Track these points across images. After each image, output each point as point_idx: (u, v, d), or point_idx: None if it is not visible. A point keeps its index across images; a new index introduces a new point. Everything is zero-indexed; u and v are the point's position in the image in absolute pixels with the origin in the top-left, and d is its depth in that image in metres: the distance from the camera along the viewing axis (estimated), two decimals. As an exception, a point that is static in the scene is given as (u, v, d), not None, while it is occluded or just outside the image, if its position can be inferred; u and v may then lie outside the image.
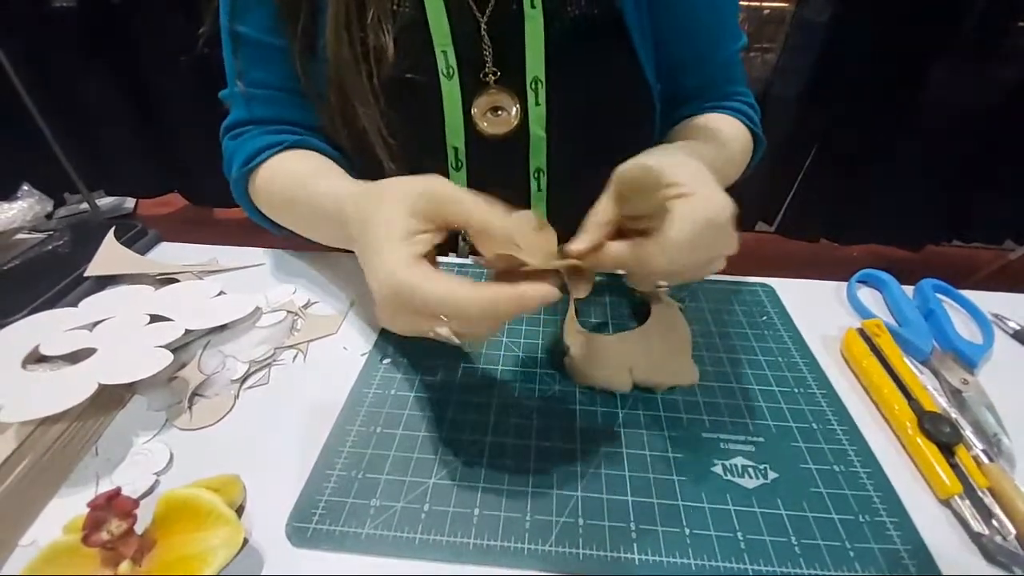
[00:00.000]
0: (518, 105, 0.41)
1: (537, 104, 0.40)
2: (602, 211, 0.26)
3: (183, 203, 1.76)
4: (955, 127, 1.29)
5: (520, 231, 0.25)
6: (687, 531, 0.26)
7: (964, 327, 0.41)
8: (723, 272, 0.45)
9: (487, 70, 0.40)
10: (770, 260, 1.60)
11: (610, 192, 0.26)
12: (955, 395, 0.34)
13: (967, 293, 0.43)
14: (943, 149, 1.32)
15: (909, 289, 0.43)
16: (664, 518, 0.27)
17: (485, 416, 0.32)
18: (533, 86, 0.40)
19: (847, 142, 1.41)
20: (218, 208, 1.76)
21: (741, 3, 1.44)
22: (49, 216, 0.47)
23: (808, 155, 1.49)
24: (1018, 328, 0.40)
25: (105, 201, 1.77)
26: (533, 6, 0.37)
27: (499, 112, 0.41)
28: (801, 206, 1.56)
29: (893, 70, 1.26)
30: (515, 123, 0.41)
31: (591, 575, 0.24)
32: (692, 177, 0.26)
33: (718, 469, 0.29)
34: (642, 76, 0.41)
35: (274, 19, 0.38)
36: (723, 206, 0.26)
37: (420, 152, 0.40)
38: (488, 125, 0.41)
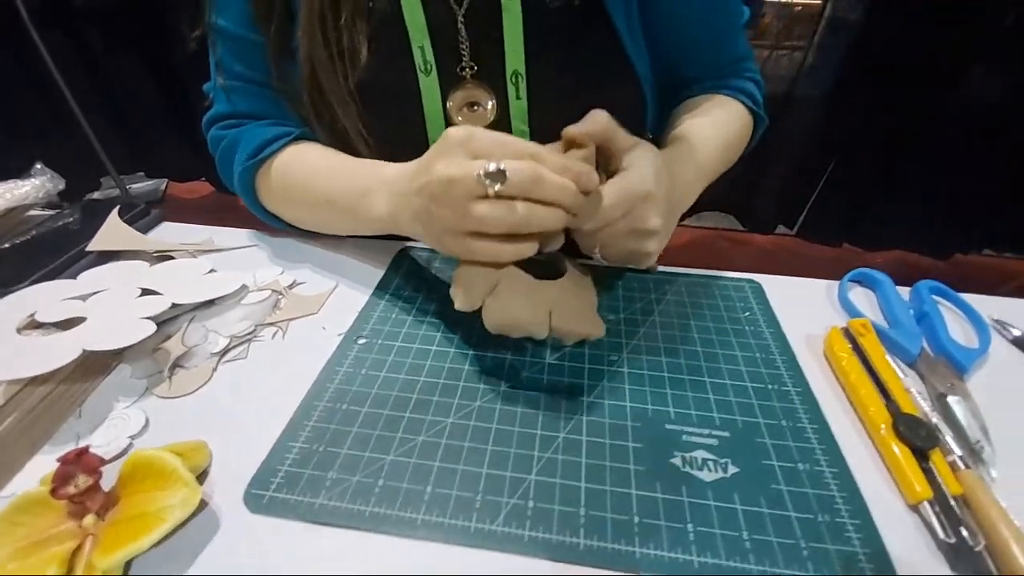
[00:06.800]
0: (494, 100, 0.41)
1: (518, 98, 0.40)
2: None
3: (210, 190, 1.83)
4: (987, 131, 1.23)
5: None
6: (636, 519, 0.26)
7: (961, 331, 0.39)
8: (712, 267, 0.44)
9: (464, 64, 0.40)
10: (788, 264, 1.56)
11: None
12: (939, 399, 0.33)
13: (967, 296, 0.41)
14: (974, 154, 1.26)
15: (906, 291, 0.42)
16: (615, 506, 0.26)
17: (450, 398, 0.32)
18: (513, 80, 0.39)
19: (874, 144, 1.36)
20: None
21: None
22: (61, 195, 0.49)
23: (832, 156, 1.44)
24: (1019, 334, 0.38)
25: (139, 186, 1.85)
26: None
27: (475, 107, 0.41)
28: (824, 209, 1.51)
29: (924, 71, 1.21)
30: (491, 118, 0.41)
31: (533, 556, 0.25)
32: (634, 160, 0.32)
33: (677, 461, 0.29)
34: (629, 66, 0.41)
35: (252, 14, 0.39)
36: (643, 181, 0.32)
37: (401, 148, 0.40)
38: (464, 120, 0.41)
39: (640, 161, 0.32)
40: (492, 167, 0.27)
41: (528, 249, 0.30)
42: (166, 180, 1.88)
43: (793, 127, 1.42)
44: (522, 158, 0.28)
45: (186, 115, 1.62)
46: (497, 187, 0.27)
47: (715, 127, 0.44)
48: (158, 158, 1.76)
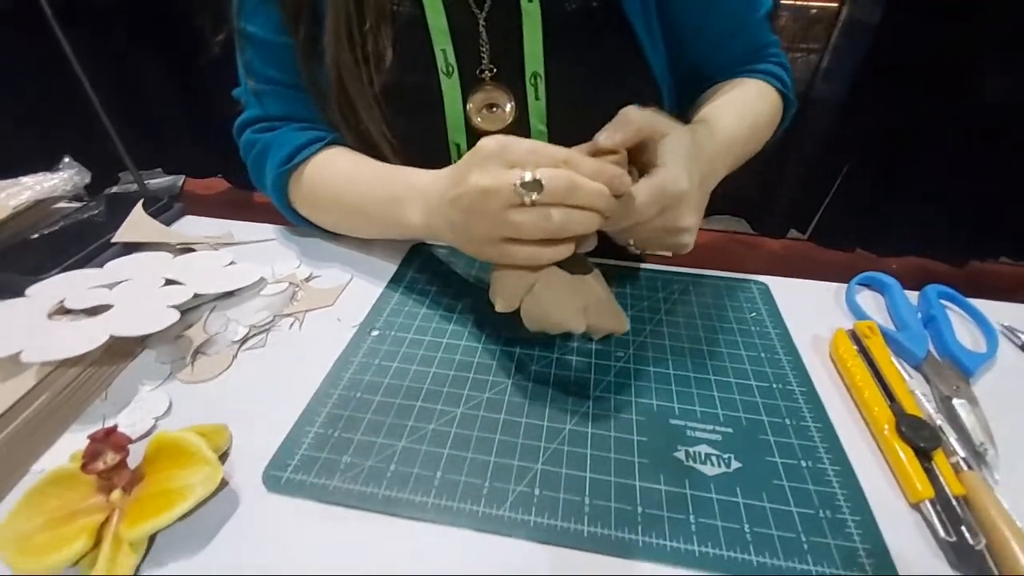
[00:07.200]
0: (512, 102, 0.41)
1: (537, 99, 0.41)
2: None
3: (226, 186, 1.86)
4: (1005, 136, 1.21)
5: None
6: (639, 509, 0.27)
7: (969, 336, 0.39)
8: (721, 269, 0.45)
9: (484, 66, 0.41)
10: (799, 269, 1.54)
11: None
12: (944, 402, 0.33)
13: (976, 302, 0.41)
14: (992, 160, 1.25)
15: (915, 294, 0.42)
16: (618, 496, 0.27)
17: (460, 389, 0.33)
18: (532, 81, 0.40)
19: (889, 148, 1.35)
20: (257, 192, 1.86)
21: (787, 1, 1.40)
22: (88, 189, 0.51)
23: (846, 160, 1.43)
24: (1028, 340, 0.38)
25: (157, 181, 1.89)
26: (530, 0, 0.38)
27: (494, 109, 0.42)
28: (837, 214, 1.50)
29: (941, 74, 1.20)
30: (510, 120, 0.42)
31: (539, 541, 0.25)
32: (667, 154, 0.31)
33: (680, 455, 0.29)
34: (645, 66, 0.41)
35: (280, 18, 0.40)
36: (676, 180, 0.31)
37: (423, 149, 0.41)
38: (483, 121, 0.42)
39: (673, 155, 0.31)
40: (528, 177, 0.27)
41: (565, 251, 0.30)
42: (183, 176, 1.92)
43: (807, 130, 1.41)
44: (556, 165, 0.28)
45: (203, 112, 1.65)
46: (533, 196, 0.27)
47: (743, 106, 0.43)
48: (175, 154, 1.80)
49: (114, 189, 1.75)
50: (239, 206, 1.79)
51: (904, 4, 1.20)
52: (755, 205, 1.57)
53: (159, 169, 1.86)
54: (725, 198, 1.60)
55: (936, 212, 1.38)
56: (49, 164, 0.51)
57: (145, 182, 1.78)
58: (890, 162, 1.37)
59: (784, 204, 1.54)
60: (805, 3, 1.43)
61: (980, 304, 0.41)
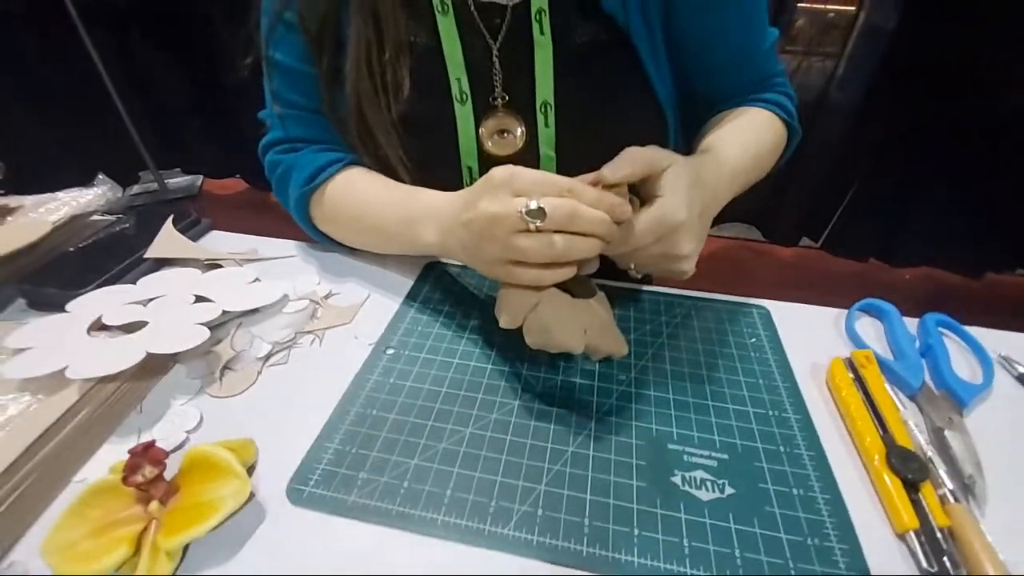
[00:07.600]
0: (523, 128, 0.43)
1: (547, 126, 0.43)
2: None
3: (244, 186, 1.91)
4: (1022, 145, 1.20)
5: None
6: (636, 532, 0.28)
7: (966, 365, 0.40)
8: (732, 280, 0.46)
9: (496, 94, 0.43)
10: (810, 279, 1.54)
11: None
12: (936, 433, 0.34)
13: (974, 330, 0.42)
14: (1010, 169, 1.23)
15: (914, 322, 0.43)
16: (616, 518, 0.29)
17: (469, 409, 0.35)
18: (543, 109, 0.42)
19: (904, 156, 1.34)
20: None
21: (803, 5, 1.39)
22: (122, 194, 0.54)
23: (861, 168, 1.42)
24: (1024, 371, 0.39)
25: (176, 181, 1.93)
26: (542, 33, 0.39)
27: (505, 134, 0.44)
28: (850, 222, 1.50)
29: (959, 82, 1.19)
30: (520, 145, 0.44)
31: (540, 559, 0.27)
32: (668, 185, 0.33)
33: (677, 479, 0.31)
34: (652, 95, 0.43)
35: (306, 48, 0.42)
36: (675, 211, 0.32)
37: (437, 172, 0.43)
38: (494, 147, 0.44)
39: (673, 187, 0.33)
40: (533, 205, 0.30)
41: (567, 273, 0.33)
42: (201, 176, 1.96)
43: (821, 138, 1.41)
44: (560, 194, 0.31)
45: (222, 114, 1.69)
46: (538, 223, 0.30)
47: (747, 136, 0.44)
48: (193, 154, 1.84)
49: (135, 188, 1.80)
50: (257, 206, 1.83)
51: (921, 9, 1.19)
52: (766, 212, 1.57)
53: (178, 169, 1.91)
54: (736, 206, 1.60)
55: (952, 221, 1.37)
56: (67, 161, 0.54)
57: (165, 181, 1.82)
58: (906, 170, 1.36)
59: (796, 212, 1.53)
60: (823, 7, 1.42)
61: (979, 332, 0.42)
